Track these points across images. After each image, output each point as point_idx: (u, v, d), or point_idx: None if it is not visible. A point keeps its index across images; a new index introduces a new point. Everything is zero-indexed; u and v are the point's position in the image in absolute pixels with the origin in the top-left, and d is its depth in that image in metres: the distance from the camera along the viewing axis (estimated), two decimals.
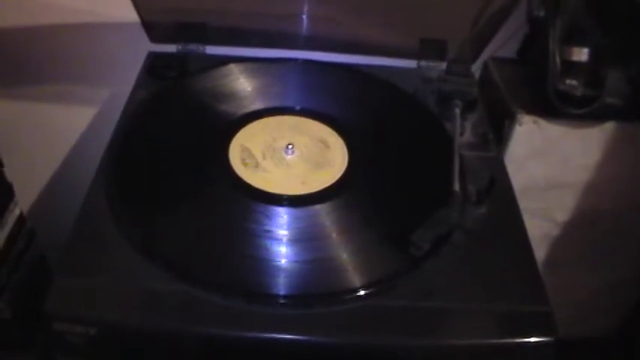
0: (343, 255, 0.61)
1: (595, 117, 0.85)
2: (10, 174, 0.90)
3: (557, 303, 0.62)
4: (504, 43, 0.94)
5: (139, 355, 0.58)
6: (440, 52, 0.87)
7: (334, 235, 0.63)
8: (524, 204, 0.70)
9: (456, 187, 0.65)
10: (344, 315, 0.56)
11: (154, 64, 0.84)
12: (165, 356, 0.58)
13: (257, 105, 0.78)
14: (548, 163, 0.90)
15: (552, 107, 0.83)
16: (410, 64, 0.88)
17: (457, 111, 0.75)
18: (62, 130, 1.08)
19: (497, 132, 0.86)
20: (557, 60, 0.82)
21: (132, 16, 0.82)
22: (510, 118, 0.86)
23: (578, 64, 0.83)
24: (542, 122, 0.85)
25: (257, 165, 0.70)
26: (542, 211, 0.95)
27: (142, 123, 0.75)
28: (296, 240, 0.62)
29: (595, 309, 1.11)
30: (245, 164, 0.70)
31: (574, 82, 0.82)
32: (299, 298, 0.58)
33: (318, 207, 0.66)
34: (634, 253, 1.03)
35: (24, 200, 0.98)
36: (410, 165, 0.73)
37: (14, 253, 0.92)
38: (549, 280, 0.81)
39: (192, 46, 0.86)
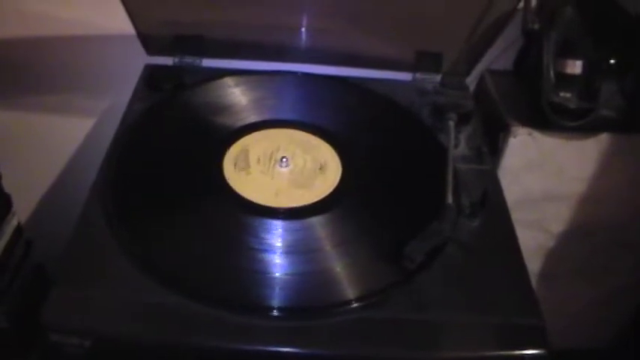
0: (337, 267, 0.61)
1: (589, 129, 0.85)
2: (7, 184, 0.91)
3: (552, 314, 0.62)
4: (499, 56, 0.94)
5: None
6: (435, 65, 0.88)
7: (328, 247, 0.63)
8: (519, 215, 0.70)
9: (450, 200, 0.65)
10: (337, 327, 0.56)
11: (151, 77, 0.84)
12: None
13: (252, 118, 0.79)
14: (543, 175, 0.90)
15: (547, 119, 0.83)
16: (405, 76, 0.89)
17: (451, 124, 0.76)
18: (60, 141, 1.09)
19: (493, 144, 0.86)
20: (552, 72, 0.83)
21: (130, 28, 0.82)
22: (505, 130, 0.87)
23: (573, 76, 0.83)
24: (537, 134, 0.86)
25: (252, 177, 0.70)
26: (537, 222, 0.96)
27: (139, 135, 0.75)
28: (290, 252, 0.63)
29: (591, 320, 1.11)
30: (240, 176, 0.70)
31: (568, 95, 0.83)
32: (293, 311, 0.58)
33: (312, 220, 0.66)
34: (630, 263, 1.03)
35: (22, 211, 0.98)
36: (404, 178, 0.73)
37: (12, 263, 0.92)
38: (545, 291, 0.82)
39: (189, 59, 0.87)
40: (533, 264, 1.00)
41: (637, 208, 0.95)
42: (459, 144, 0.76)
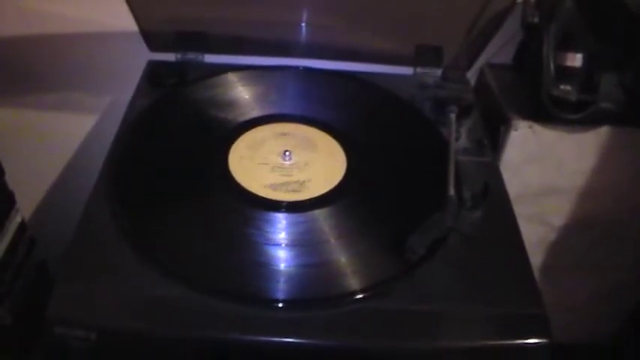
0: (340, 259, 0.62)
1: (589, 122, 0.85)
2: (11, 182, 0.91)
3: (554, 308, 0.62)
4: (499, 50, 0.95)
5: (140, 359, 0.59)
6: (436, 59, 0.88)
7: (332, 240, 0.64)
8: (520, 209, 0.71)
9: (451, 191, 0.65)
10: (341, 318, 0.57)
11: (154, 73, 0.84)
12: None
13: (255, 112, 0.79)
14: (543, 168, 0.90)
15: (547, 112, 0.84)
16: (406, 70, 0.89)
17: (453, 117, 0.76)
18: (63, 138, 1.09)
19: (493, 137, 0.86)
20: (552, 66, 0.83)
21: (132, 25, 0.83)
22: (506, 124, 0.87)
23: (573, 69, 0.83)
24: (538, 127, 0.86)
25: (255, 171, 0.71)
26: (538, 215, 0.96)
27: (141, 131, 0.76)
28: (294, 245, 0.63)
29: (592, 314, 1.11)
30: (244, 170, 0.71)
31: (568, 88, 0.83)
32: (297, 302, 0.58)
33: (315, 212, 0.66)
34: (630, 260, 1.03)
35: (25, 208, 0.99)
36: (406, 170, 0.74)
37: (15, 261, 0.92)
38: (546, 286, 0.82)
39: (192, 55, 0.87)
40: (534, 258, 1.00)
41: (637, 203, 0.96)
42: (460, 137, 0.76)
